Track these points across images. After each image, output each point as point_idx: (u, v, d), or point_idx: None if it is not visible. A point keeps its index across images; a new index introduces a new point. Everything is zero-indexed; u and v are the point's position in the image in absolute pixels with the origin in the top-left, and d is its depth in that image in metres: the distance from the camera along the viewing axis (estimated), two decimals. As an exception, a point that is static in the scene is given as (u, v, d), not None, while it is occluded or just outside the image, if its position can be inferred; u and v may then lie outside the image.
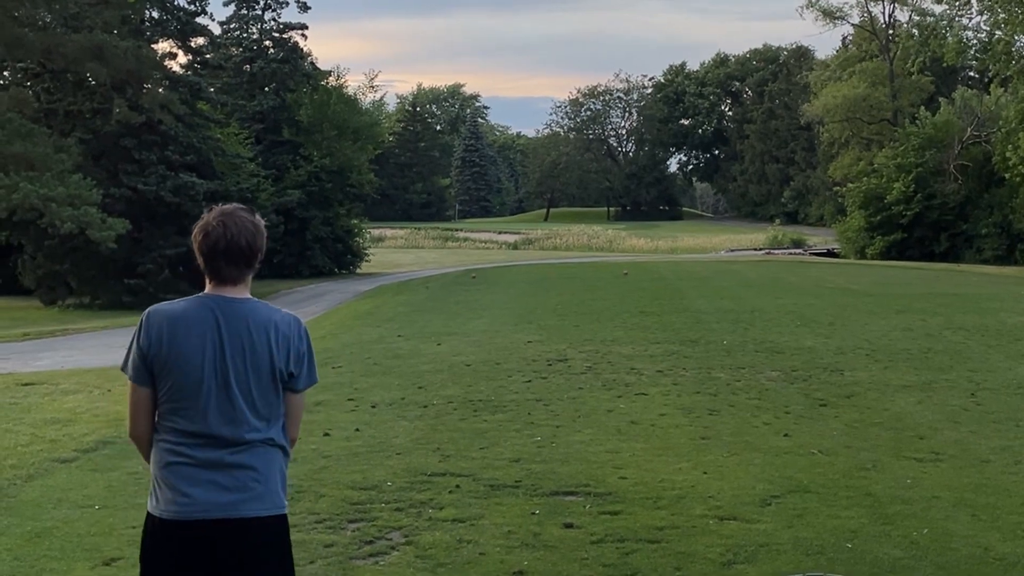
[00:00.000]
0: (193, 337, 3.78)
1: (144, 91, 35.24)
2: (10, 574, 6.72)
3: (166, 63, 38.79)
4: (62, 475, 9.45)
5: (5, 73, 37.29)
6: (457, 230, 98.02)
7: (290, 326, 3.89)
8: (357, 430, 11.22)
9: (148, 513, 3.90)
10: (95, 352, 20.65)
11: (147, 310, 3.91)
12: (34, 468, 9.65)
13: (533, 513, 7.94)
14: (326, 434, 10.97)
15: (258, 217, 3.95)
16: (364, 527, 7.64)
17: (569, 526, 7.59)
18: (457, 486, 8.74)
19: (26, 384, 15.50)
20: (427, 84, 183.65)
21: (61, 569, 6.80)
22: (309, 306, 32.85)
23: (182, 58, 41.82)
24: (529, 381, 14.50)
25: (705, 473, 9.10)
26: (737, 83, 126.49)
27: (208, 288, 3.89)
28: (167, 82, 37.64)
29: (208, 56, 44.24)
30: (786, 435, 10.68)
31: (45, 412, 12.84)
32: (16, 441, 10.95)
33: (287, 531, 3.95)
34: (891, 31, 76.71)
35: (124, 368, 3.90)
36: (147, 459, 3.96)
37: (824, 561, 6.66)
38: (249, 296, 3.91)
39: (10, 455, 10.21)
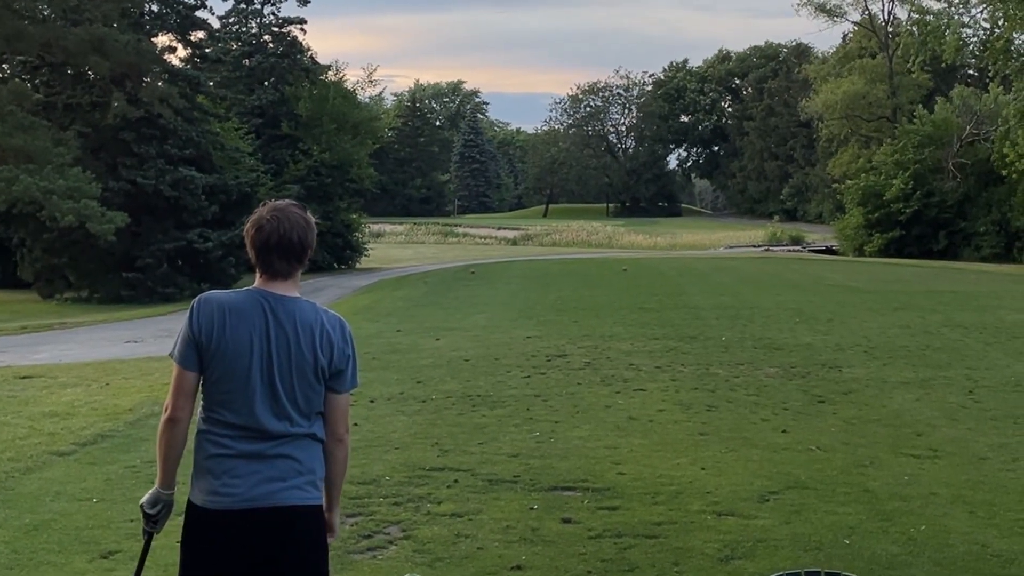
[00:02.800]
0: (243, 329, 3.84)
1: (143, 85, 35.22)
2: (8, 566, 6.72)
3: (165, 57, 38.76)
4: (60, 468, 9.45)
5: (4, 66, 37.21)
6: (456, 225, 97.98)
7: (335, 328, 3.94)
8: (355, 424, 11.19)
9: (189, 502, 3.93)
10: (93, 346, 20.65)
11: (198, 297, 3.98)
12: (32, 461, 9.65)
13: (531, 508, 7.94)
14: (324, 428, 10.96)
15: (309, 213, 4.03)
16: (362, 521, 7.64)
17: (567, 521, 7.60)
18: (455, 481, 8.74)
19: (24, 377, 15.49)
20: (428, 79, 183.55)
21: (59, 562, 6.80)
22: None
23: (181, 52, 41.76)
24: (528, 377, 14.51)
25: (703, 469, 9.10)
26: (738, 80, 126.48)
27: (258, 282, 3.95)
28: (166, 76, 37.58)
29: (207, 50, 44.17)
30: (784, 431, 10.69)
31: (43, 405, 12.83)
32: (14, 434, 10.95)
33: (324, 522, 4.03)
34: (890, 29, 76.71)
35: (172, 353, 3.96)
36: (171, 447, 3.94)
37: (822, 557, 6.67)
38: (298, 295, 3.96)
39: (8, 448, 10.20)
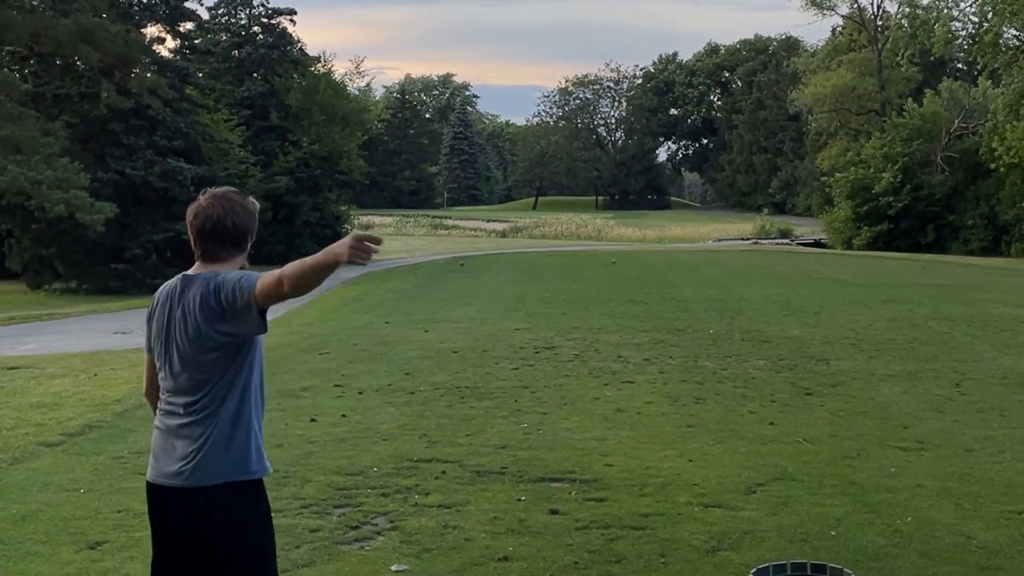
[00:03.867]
0: (160, 312, 4.04)
1: (132, 76, 35.10)
2: (-5, 557, 6.72)
3: (154, 48, 38.67)
4: (48, 459, 9.45)
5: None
6: (446, 218, 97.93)
7: (197, 284, 3.94)
8: (344, 416, 11.23)
9: None
10: (81, 337, 20.61)
11: None
12: (19, 451, 9.65)
13: (519, 499, 7.96)
14: (312, 420, 10.99)
15: (251, 200, 4.12)
16: (350, 512, 7.65)
17: (555, 512, 7.62)
18: (443, 472, 8.76)
19: (11, 368, 15.48)
20: (417, 72, 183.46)
21: (46, 552, 6.80)
22: (296, 292, 32.76)
23: (170, 43, 41.71)
24: (516, 368, 14.52)
25: (690, 461, 9.13)
26: (727, 73, 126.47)
27: (193, 268, 4.06)
28: (155, 67, 37.48)
29: (196, 41, 44.06)
30: (771, 423, 10.72)
31: (31, 396, 12.82)
32: (1, 424, 10.96)
33: (241, 500, 3.99)
34: (880, 22, 76.76)
35: None
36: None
37: (808, 548, 6.69)
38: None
39: (-5, 438, 10.20)
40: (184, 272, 4.05)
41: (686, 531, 7.15)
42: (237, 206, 4.03)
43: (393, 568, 6.49)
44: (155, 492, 4.03)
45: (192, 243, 4.05)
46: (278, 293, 3.75)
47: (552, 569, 6.44)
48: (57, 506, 7.86)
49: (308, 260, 3.73)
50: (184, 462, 3.93)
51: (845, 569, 5.09)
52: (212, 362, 3.94)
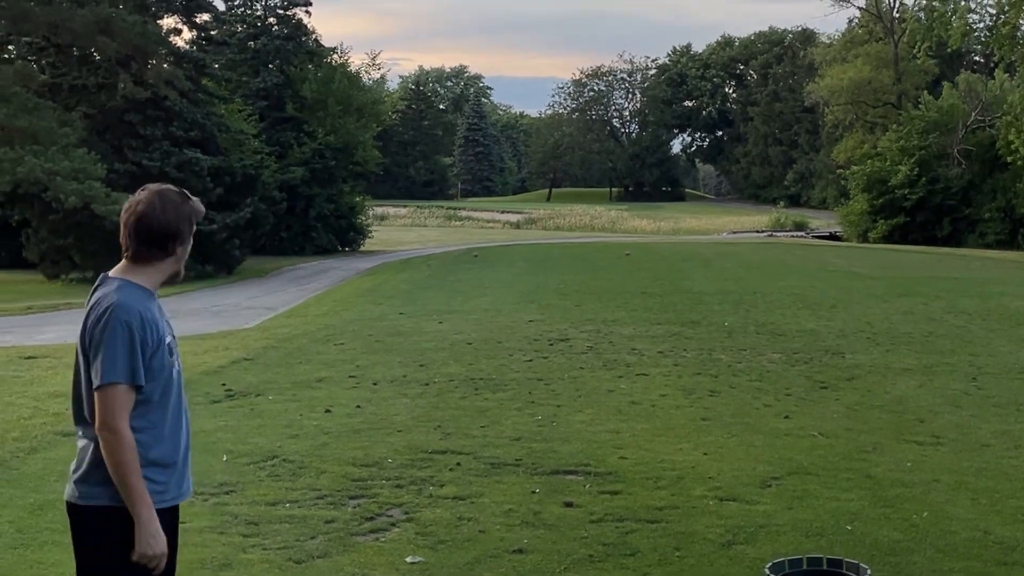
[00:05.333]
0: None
1: (149, 67, 35.11)
2: (12, 545, 6.75)
3: (171, 39, 38.63)
4: (65, 448, 9.46)
5: (10, 47, 37.14)
6: (460, 209, 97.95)
7: (97, 309, 3.74)
8: (358, 407, 11.25)
9: None
10: (97, 327, 20.64)
11: None
12: (37, 441, 9.68)
13: (533, 492, 7.96)
14: (327, 410, 11.01)
15: (192, 205, 3.90)
16: (365, 503, 7.67)
17: (569, 505, 7.62)
18: (458, 464, 8.77)
19: (29, 357, 15.54)
20: (432, 63, 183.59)
21: (63, 541, 6.75)
22: (311, 283, 32.89)
23: (187, 34, 41.66)
24: (530, 360, 14.52)
25: (705, 454, 9.12)
26: (741, 65, 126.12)
27: (118, 266, 3.91)
28: (172, 58, 37.48)
29: (213, 32, 44.09)
30: (787, 417, 10.70)
31: (48, 385, 12.87)
32: (19, 414, 10.99)
33: (96, 522, 3.77)
34: (896, 14, 76.48)
35: None
36: None
37: (824, 543, 6.69)
38: (128, 279, 3.82)
39: (13, 428, 10.25)
40: (106, 272, 3.87)
41: (701, 524, 7.14)
42: (170, 205, 3.82)
43: (408, 559, 6.50)
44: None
45: (120, 238, 3.85)
46: (98, 430, 3.66)
47: (567, 562, 6.44)
48: (74, 496, 7.88)
49: (132, 486, 3.65)
50: (72, 476, 3.83)
51: (862, 564, 5.08)
52: (87, 375, 3.77)
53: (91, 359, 3.70)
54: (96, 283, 3.86)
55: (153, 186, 3.89)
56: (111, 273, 3.86)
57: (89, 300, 3.84)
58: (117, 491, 3.69)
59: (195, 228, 3.97)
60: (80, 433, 3.83)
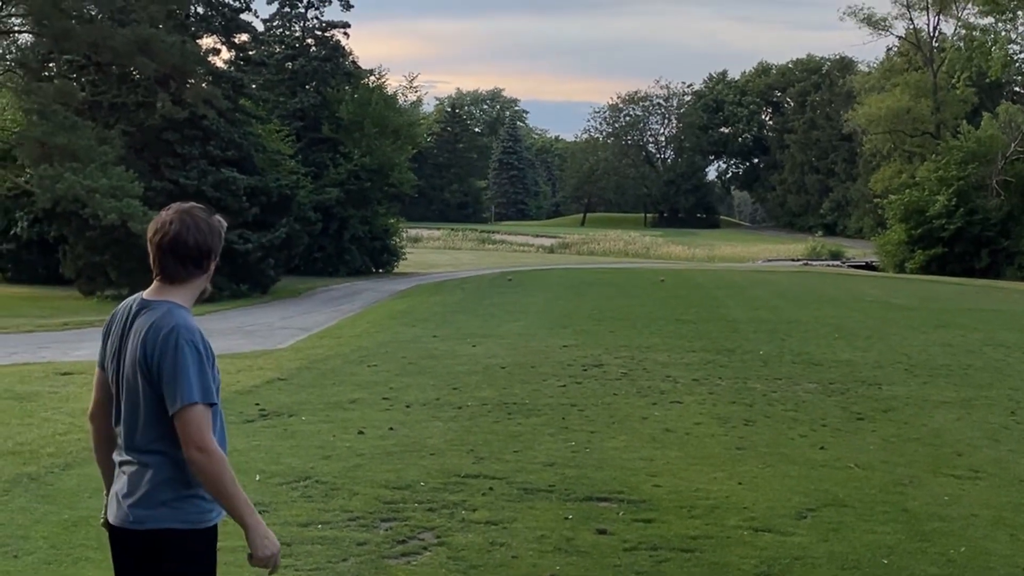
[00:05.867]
0: (112, 336, 3.87)
1: (188, 86, 35.43)
2: (47, 561, 6.77)
3: (210, 59, 38.99)
4: (98, 465, 9.50)
5: (51, 65, 37.54)
6: (493, 232, 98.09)
7: (159, 331, 3.71)
8: (391, 429, 11.23)
9: None
10: (132, 344, 20.75)
11: None
12: (71, 457, 9.72)
13: (566, 518, 7.92)
14: (360, 432, 11.00)
15: (217, 219, 3.92)
16: (397, 526, 7.64)
17: (602, 532, 7.56)
18: (490, 488, 8.73)
19: (65, 373, 15.62)
20: (468, 86, 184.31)
21: (97, 559, 6.82)
22: (345, 304, 32.97)
23: (225, 54, 42.03)
24: (564, 385, 14.47)
25: (740, 484, 9.04)
26: (778, 93, 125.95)
27: (151, 287, 3.89)
28: (210, 77, 37.81)
29: (251, 52, 44.41)
30: (822, 448, 10.60)
31: (83, 402, 12.83)
32: (54, 430, 11.04)
33: (167, 547, 3.75)
34: (935, 43, 76.18)
35: None
36: (94, 449, 4.07)
37: (860, 576, 6.60)
38: (172, 300, 3.81)
39: (48, 443, 10.29)
40: (142, 295, 3.85)
41: (736, 555, 7.07)
42: (201, 223, 3.82)
43: (440, 584, 6.46)
44: (108, 529, 3.91)
45: (151, 260, 3.83)
46: (188, 453, 3.65)
47: (600, 590, 6.38)
48: (107, 513, 7.89)
49: (235, 507, 3.70)
50: (125, 501, 3.79)
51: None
52: (150, 397, 3.74)
53: (159, 384, 3.68)
54: (131, 305, 3.84)
55: (177, 205, 3.88)
56: (147, 296, 3.84)
57: (128, 325, 3.81)
58: (182, 513, 3.73)
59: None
60: (132, 459, 3.79)
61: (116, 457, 3.87)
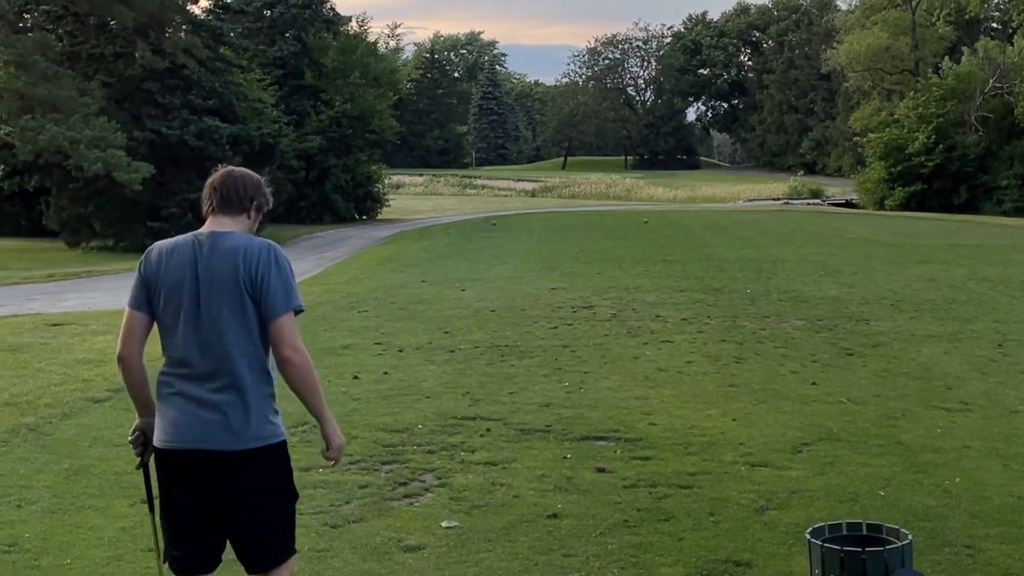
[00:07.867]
0: (175, 265, 4.02)
1: (167, 35, 35.05)
2: (51, 510, 6.82)
3: (188, 7, 38.56)
4: (96, 414, 9.55)
5: (28, 16, 37.08)
6: (475, 177, 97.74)
7: (261, 249, 4.00)
8: (386, 373, 11.29)
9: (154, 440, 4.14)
10: (120, 293, 20.64)
11: (150, 246, 4.19)
12: (68, 407, 9.76)
13: (565, 457, 8.00)
14: (355, 377, 11.06)
15: (265, 179, 4.32)
16: (397, 469, 7.71)
17: (601, 470, 7.65)
18: (488, 430, 8.80)
19: (54, 324, 15.62)
20: (446, 31, 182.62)
21: (100, 506, 6.89)
22: (331, 251, 32.92)
23: (204, 2, 41.68)
24: (555, 327, 14.55)
25: (734, 420, 9.14)
26: (757, 33, 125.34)
27: (204, 226, 4.12)
28: (189, 26, 37.43)
29: (229, 1, 43.94)
30: (814, 383, 10.71)
31: (75, 352, 12.95)
32: (49, 380, 11.07)
33: (270, 462, 4.05)
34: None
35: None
36: (128, 384, 4.20)
37: (858, 508, 6.70)
38: (235, 231, 4.10)
39: (44, 394, 10.33)
40: (200, 232, 4.08)
41: (734, 490, 7.16)
42: (251, 176, 4.24)
43: (444, 524, 6.53)
44: (171, 456, 4.03)
45: (206, 199, 4.17)
46: (280, 352, 3.98)
47: (602, 527, 6.46)
48: (108, 461, 7.95)
49: (319, 404, 4.11)
50: (211, 428, 3.97)
51: (902, 529, 5.11)
52: (242, 311, 3.99)
53: (260, 295, 3.95)
54: (198, 241, 4.02)
55: (235, 167, 4.29)
56: (217, 229, 4.08)
57: (199, 255, 3.99)
58: (278, 428, 4.06)
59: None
60: (218, 386, 3.96)
61: (184, 386, 4.00)
